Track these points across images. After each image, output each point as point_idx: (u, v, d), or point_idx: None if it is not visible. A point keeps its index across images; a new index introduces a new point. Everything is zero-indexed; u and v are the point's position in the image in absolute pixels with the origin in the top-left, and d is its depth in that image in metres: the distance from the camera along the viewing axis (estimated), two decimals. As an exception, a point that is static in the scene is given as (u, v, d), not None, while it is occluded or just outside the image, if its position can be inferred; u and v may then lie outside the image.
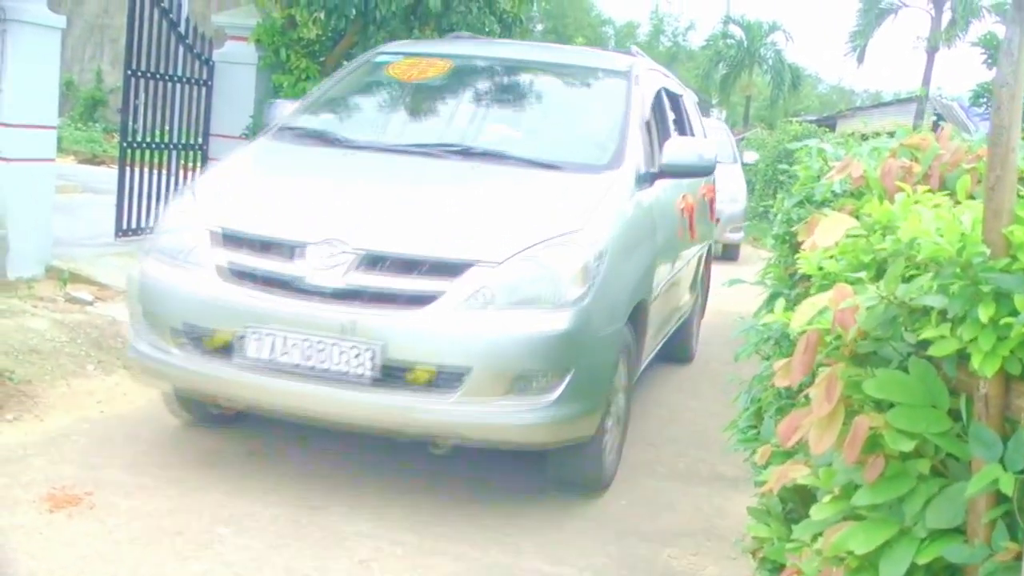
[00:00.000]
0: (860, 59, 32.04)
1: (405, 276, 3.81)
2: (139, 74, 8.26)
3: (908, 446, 1.60)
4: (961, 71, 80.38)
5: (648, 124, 5.41)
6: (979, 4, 28.81)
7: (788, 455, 2.20)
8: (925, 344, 1.60)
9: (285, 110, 5.40)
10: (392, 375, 3.73)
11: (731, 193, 13.73)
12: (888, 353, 1.77)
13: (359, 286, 3.81)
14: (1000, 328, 1.49)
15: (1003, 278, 1.51)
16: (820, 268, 1.94)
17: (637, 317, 4.57)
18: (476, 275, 3.79)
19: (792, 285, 3.40)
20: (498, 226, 4.08)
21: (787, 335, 2.91)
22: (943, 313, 1.57)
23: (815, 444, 1.73)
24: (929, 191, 2.05)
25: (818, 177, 3.56)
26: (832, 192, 3.19)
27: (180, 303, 4.02)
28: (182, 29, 8.60)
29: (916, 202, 1.95)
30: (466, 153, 4.76)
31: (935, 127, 3.31)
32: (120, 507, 3.75)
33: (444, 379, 3.73)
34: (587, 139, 5.10)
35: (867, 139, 3.86)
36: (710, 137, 15.18)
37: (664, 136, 5.62)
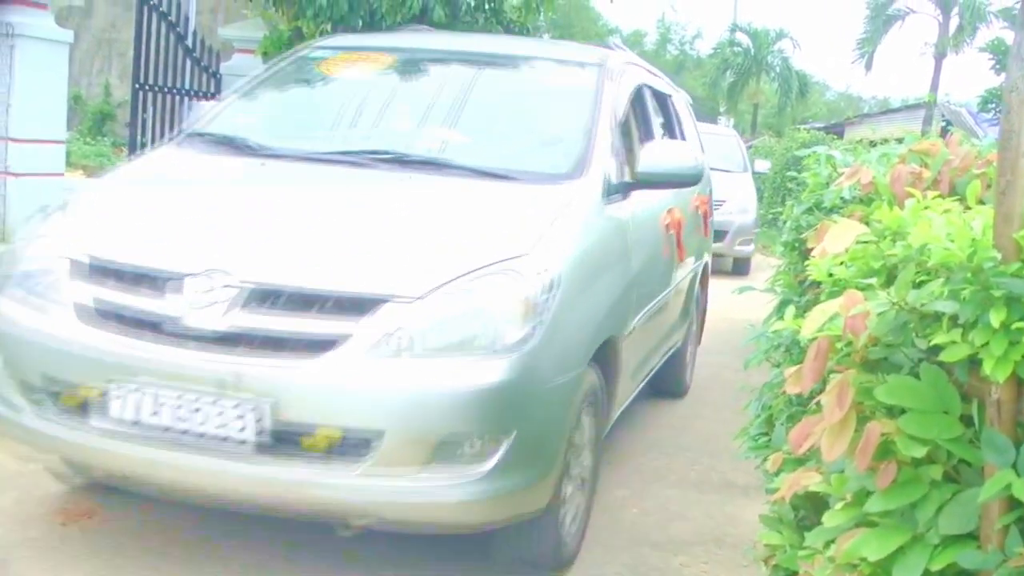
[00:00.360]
0: (868, 66, 32.09)
1: (302, 316, 3.06)
2: (147, 87, 8.33)
3: (920, 452, 1.59)
4: (969, 77, 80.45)
5: (626, 126, 4.74)
6: (987, 9, 28.83)
7: (800, 462, 2.20)
8: (936, 350, 1.60)
9: (203, 112, 4.69)
10: (284, 441, 3.00)
11: (740, 203, 13.28)
12: (899, 359, 1.76)
13: (244, 328, 3.06)
14: (1012, 333, 1.48)
15: (1014, 283, 1.51)
16: (830, 275, 1.94)
17: (606, 357, 3.83)
18: (390, 314, 3.03)
19: (802, 292, 3.40)
20: (423, 251, 3.31)
21: (797, 342, 2.91)
22: (954, 318, 1.57)
23: (827, 451, 1.72)
24: (939, 196, 2.04)
25: (827, 184, 3.56)
26: (841, 198, 3.19)
27: (33, 351, 3.27)
28: (189, 43, 8.67)
29: (926, 208, 1.95)
30: (401, 162, 3.99)
31: (944, 133, 3.31)
32: (132, 519, 3.75)
33: (349, 445, 2.99)
34: (547, 144, 4.36)
35: (876, 146, 3.86)
36: (728, 142, 15.01)
37: (648, 141, 4.98)
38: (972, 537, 1.58)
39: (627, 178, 4.27)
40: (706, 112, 37.92)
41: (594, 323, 3.63)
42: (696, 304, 6.51)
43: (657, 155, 4.33)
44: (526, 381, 3.11)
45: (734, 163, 14.17)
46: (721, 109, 41.12)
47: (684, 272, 5.62)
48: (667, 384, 6.14)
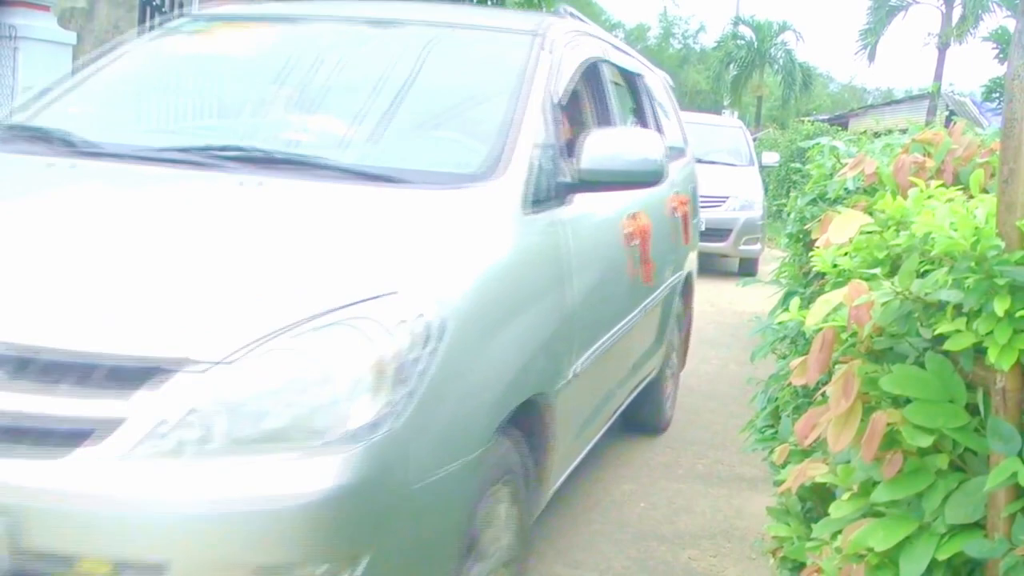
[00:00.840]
0: (871, 57, 32.02)
1: (53, 392, 2.04)
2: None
3: (926, 442, 1.59)
4: (973, 66, 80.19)
5: (574, 112, 3.95)
6: (989, -1, 28.73)
7: (806, 454, 2.20)
8: (941, 339, 1.60)
9: (33, 98, 3.70)
10: None
11: (745, 199, 12.39)
12: (904, 349, 1.76)
13: None
14: (1016, 321, 1.48)
15: (1018, 271, 1.51)
16: (834, 265, 1.94)
17: (532, 419, 2.89)
18: (179, 388, 2.03)
19: (807, 283, 3.41)
20: (241, 294, 2.26)
21: (803, 333, 2.92)
22: (958, 307, 1.57)
23: (833, 442, 1.72)
24: (942, 186, 2.04)
25: (831, 175, 3.57)
26: (845, 189, 3.20)
27: None
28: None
29: (929, 197, 1.95)
30: (258, 161, 2.97)
31: (948, 124, 3.31)
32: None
33: None
34: (456, 135, 3.41)
35: (880, 136, 3.86)
36: (733, 134, 14.28)
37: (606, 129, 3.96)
38: (978, 526, 1.58)
39: (568, 178, 3.24)
40: (710, 105, 37.92)
41: (506, 379, 2.63)
42: (677, 324, 5.54)
43: (605, 147, 3.28)
44: (383, 481, 2.14)
45: (739, 156, 13.64)
46: (725, 102, 41.14)
47: (656, 290, 4.58)
48: (641, 420, 5.24)
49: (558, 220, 3.20)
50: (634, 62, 5.27)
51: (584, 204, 3.40)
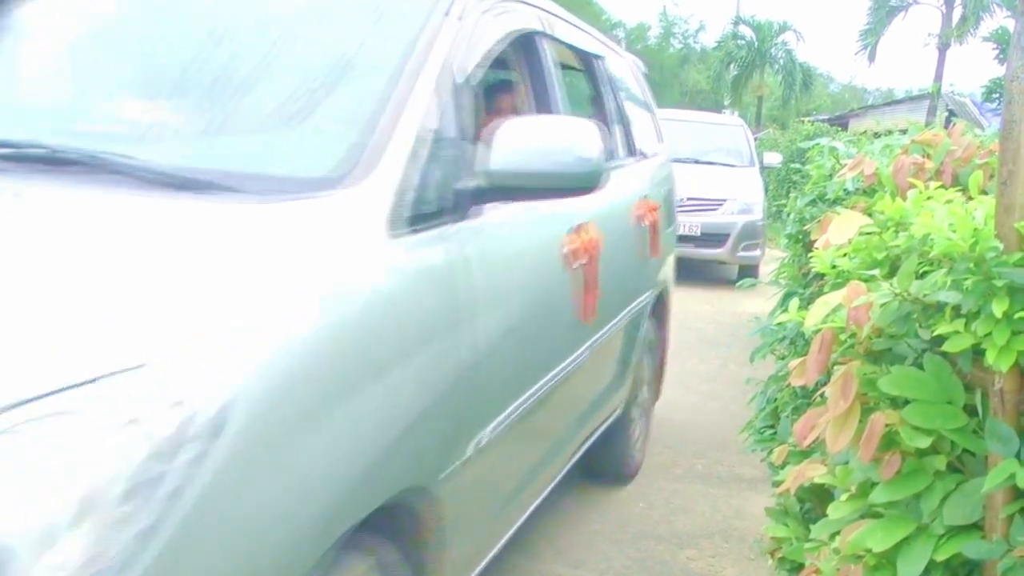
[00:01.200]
0: (871, 57, 32.01)
1: None
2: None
3: (924, 443, 1.60)
4: (973, 67, 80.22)
5: (500, 98, 3.53)
6: (990, -1, 28.74)
7: (805, 455, 2.21)
8: (939, 340, 1.60)
9: None
10: None
11: (745, 202, 11.53)
12: (903, 350, 1.77)
13: None
14: (1014, 322, 1.48)
15: (1017, 272, 1.51)
16: (833, 266, 1.94)
17: (404, 521, 2.14)
18: None
19: (806, 284, 3.41)
20: None
21: (802, 334, 2.92)
22: (957, 309, 1.57)
23: (831, 443, 1.73)
24: (941, 187, 2.05)
25: (830, 175, 3.57)
26: (844, 190, 3.20)
27: None
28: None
29: (928, 198, 1.95)
30: (40, 160, 2.12)
31: (948, 124, 3.30)
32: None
33: None
34: (310, 124, 2.39)
35: (879, 137, 3.87)
36: (733, 133, 13.51)
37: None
38: (976, 527, 1.58)
39: (469, 183, 2.39)
40: (710, 105, 37.93)
41: (347, 479, 1.82)
42: (649, 352, 4.77)
43: (523, 142, 2.41)
44: None
45: (740, 156, 12.79)
46: (725, 102, 41.14)
47: (614, 318, 3.77)
48: (601, 467, 4.44)
49: (455, 240, 2.32)
50: (591, 40, 4.31)
51: (500, 217, 2.58)
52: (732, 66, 38.26)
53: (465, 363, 2.32)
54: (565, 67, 3.99)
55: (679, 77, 49.88)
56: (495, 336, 2.50)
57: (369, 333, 1.95)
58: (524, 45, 3.35)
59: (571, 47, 3.94)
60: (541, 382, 2.90)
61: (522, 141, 2.42)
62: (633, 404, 4.52)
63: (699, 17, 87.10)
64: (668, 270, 5.04)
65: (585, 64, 4.28)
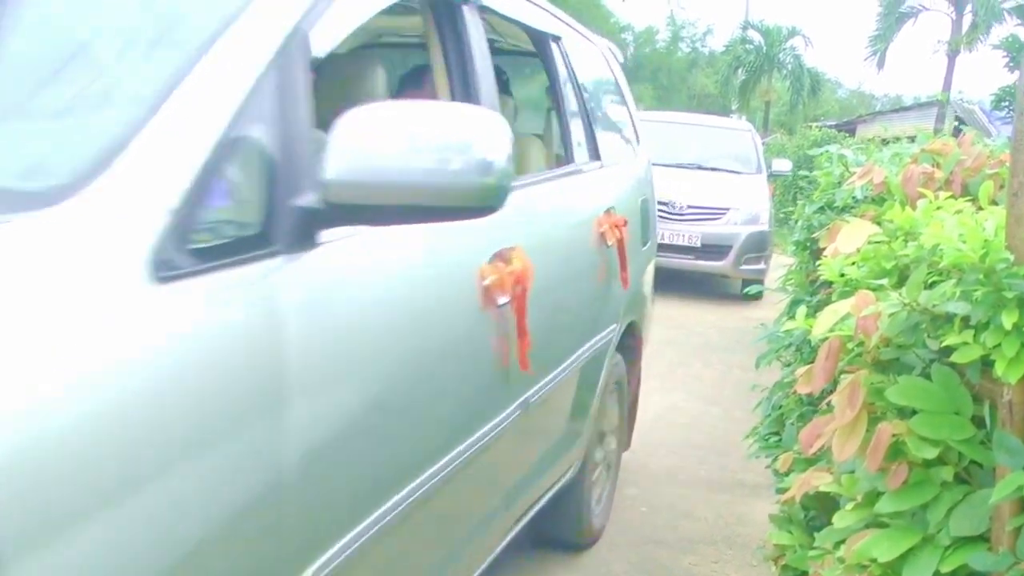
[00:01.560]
0: (880, 63, 31.96)
1: None
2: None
3: (931, 453, 1.59)
4: (983, 74, 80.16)
5: (375, 83, 2.78)
6: (1000, 7, 28.70)
7: (810, 462, 2.20)
8: (948, 351, 1.59)
9: None
10: None
11: (750, 211, 10.62)
12: (911, 360, 1.76)
13: None
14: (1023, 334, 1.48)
15: (1026, 284, 1.51)
16: (842, 275, 1.94)
17: None
18: None
19: (813, 292, 3.40)
20: None
21: (808, 342, 2.91)
22: (966, 319, 1.57)
23: (838, 451, 1.72)
24: (951, 197, 2.04)
25: (839, 183, 3.57)
26: (853, 198, 3.19)
27: None
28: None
29: (938, 208, 1.95)
30: None
31: (956, 132, 3.30)
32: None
33: None
34: (56, 112, 1.54)
35: (888, 144, 3.86)
36: (740, 138, 12.47)
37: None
38: (983, 539, 1.57)
39: (309, 199, 1.62)
40: (718, 109, 37.92)
41: None
42: (616, 396, 4.07)
43: (374, 141, 1.62)
44: None
45: (746, 163, 11.82)
46: (733, 107, 41.11)
47: (561, 363, 3.08)
48: (553, 533, 3.76)
49: (275, 283, 1.54)
50: (545, 17, 3.45)
51: (360, 247, 1.81)
52: (740, 71, 38.19)
53: (286, 464, 1.54)
54: (514, 51, 3.54)
55: (687, 81, 49.91)
56: (339, 419, 1.71)
57: (107, 440, 1.19)
58: (437, 11, 2.61)
59: (517, 23, 3.21)
60: (438, 464, 2.12)
61: (377, 139, 1.62)
62: (589, 463, 3.72)
63: (707, 21, 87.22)
64: (642, 295, 4.24)
65: (538, 46, 3.50)
